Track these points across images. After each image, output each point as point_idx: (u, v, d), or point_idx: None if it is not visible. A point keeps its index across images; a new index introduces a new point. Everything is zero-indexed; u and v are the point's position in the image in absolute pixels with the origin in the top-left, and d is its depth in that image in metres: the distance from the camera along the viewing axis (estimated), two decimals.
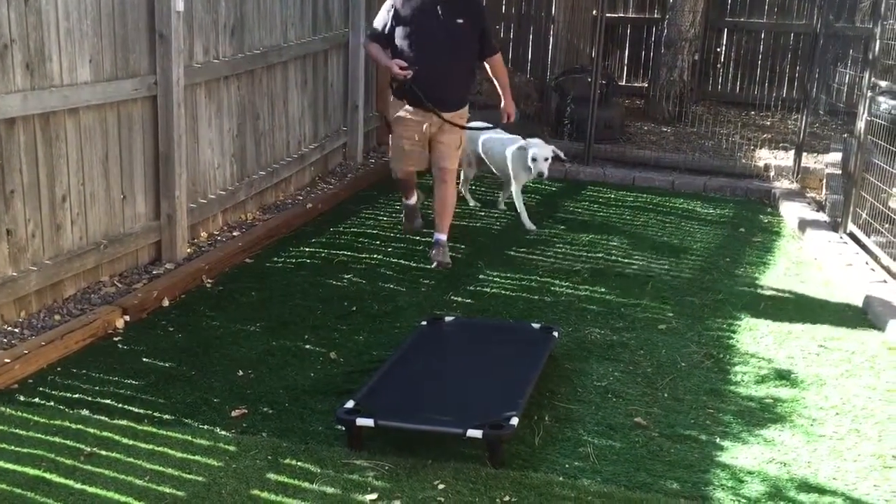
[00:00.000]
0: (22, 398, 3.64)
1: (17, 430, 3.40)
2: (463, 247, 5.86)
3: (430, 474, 3.19)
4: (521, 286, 5.18)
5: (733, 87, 11.44)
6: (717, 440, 3.53)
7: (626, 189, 7.66)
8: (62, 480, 3.09)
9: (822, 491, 3.20)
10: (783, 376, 4.13)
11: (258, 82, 6.20)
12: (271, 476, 3.16)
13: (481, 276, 5.34)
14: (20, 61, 4.04)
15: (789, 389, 4.00)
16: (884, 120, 5.77)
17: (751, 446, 3.49)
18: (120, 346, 4.20)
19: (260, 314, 4.63)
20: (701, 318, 4.80)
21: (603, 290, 5.19)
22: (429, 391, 3.63)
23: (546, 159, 6.13)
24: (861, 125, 6.08)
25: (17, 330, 4.13)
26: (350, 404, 3.40)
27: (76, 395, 3.69)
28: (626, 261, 5.75)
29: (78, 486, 3.06)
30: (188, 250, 5.34)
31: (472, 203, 6.83)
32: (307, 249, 5.70)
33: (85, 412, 3.55)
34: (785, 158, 8.34)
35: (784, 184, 7.81)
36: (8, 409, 3.54)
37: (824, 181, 7.44)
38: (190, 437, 3.40)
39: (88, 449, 3.29)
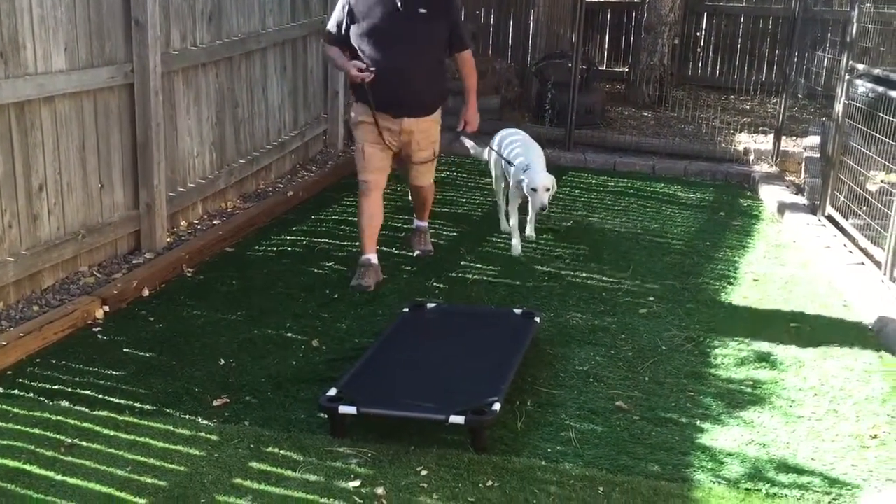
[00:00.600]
0: (1, 389, 3.61)
1: None
2: (445, 233, 5.85)
3: (412, 461, 3.20)
4: (502, 272, 5.19)
5: (713, 72, 11.49)
6: (698, 422, 3.56)
7: (607, 174, 7.68)
8: (42, 472, 3.07)
9: (800, 471, 3.24)
10: (762, 358, 4.16)
11: (237, 69, 6.15)
12: (254, 465, 3.16)
13: (463, 263, 5.34)
14: None
15: (768, 371, 4.03)
16: (861, 103, 5.80)
17: (730, 428, 3.52)
18: (100, 336, 4.17)
19: (241, 303, 4.61)
20: (681, 301, 4.83)
21: (584, 275, 5.21)
22: (411, 378, 3.63)
23: (547, 189, 5.33)
24: (839, 108, 6.12)
25: None
26: (332, 392, 3.39)
27: (56, 387, 3.66)
28: (607, 246, 5.77)
29: (59, 477, 3.05)
30: (168, 239, 5.31)
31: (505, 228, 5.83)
32: (288, 237, 5.68)
33: (65, 403, 3.52)
34: (764, 142, 8.38)
35: (763, 167, 7.86)
36: None
37: (803, 164, 7.50)
38: (171, 428, 3.38)
39: (69, 440, 3.27)
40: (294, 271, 5.08)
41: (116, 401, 3.57)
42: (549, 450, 3.31)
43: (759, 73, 11.18)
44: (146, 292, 4.66)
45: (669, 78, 10.29)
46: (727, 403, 3.72)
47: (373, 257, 4.94)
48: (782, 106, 8.01)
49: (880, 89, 5.49)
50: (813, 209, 6.41)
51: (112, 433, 3.33)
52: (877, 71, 5.71)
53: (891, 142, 5.19)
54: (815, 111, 9.61)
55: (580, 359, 4.09)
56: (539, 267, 5.30)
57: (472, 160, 6.79)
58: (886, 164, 5.28)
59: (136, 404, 3.55)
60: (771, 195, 6.93)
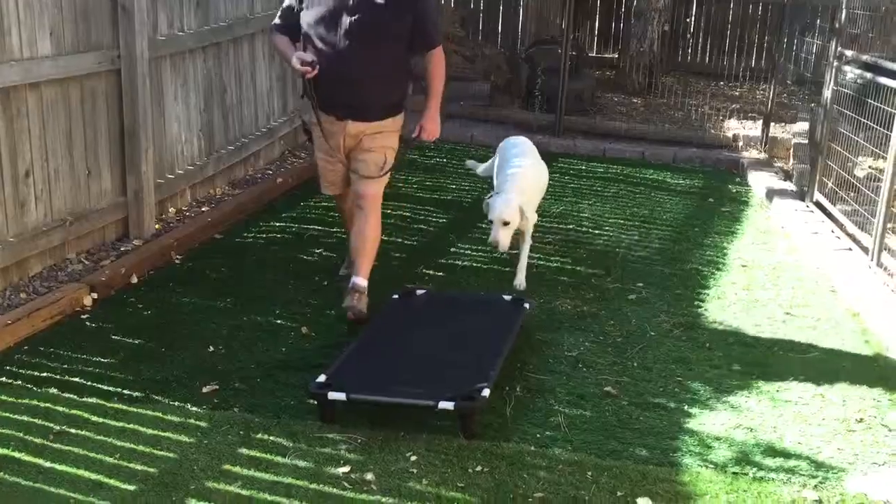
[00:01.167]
0: None
1: None
2: (434, 220, 5.85)
3: (402, 446, 3.21)
4: (492, 258, 5.19)
5: (703, 58, 11.49)
6: (686, 407, 3.58)
7: (597, 160, 7.69)
8: (31, 459, 3.06)
9: (787, 455, 3.26)
10: (750, 344, 4.19)
11: (224, 55, 6.11)
12: (243, 451, 3.16)
13: (453, 249, 5.34)
14: None
15: (756, 356, 4.06)
16: (850, 89, 5.82)
17: (718, 413, 3.55)
18: (88, 323, 4.16)
19: (230, 290, 4.60)
20: (670, 287, 4.85)
21: (573, 261, 5.22)
22: (401, 364, 3.64)
23: (505, 224, 4.56)
24: (827, 94, 6.14)
25: None
26: (322, 378, 3.40)
27: (44, 374, 3.65)
28: (596, 232, 5.78)
29: (48, 464, 3.04)
30: (156, 226, 5.28)
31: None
32: (277, 224, 5.67)
33: (54, 390, 3.51)
34: (753, 128, 8.40)
35: (752, 153, 7.88)
36: None
37: (791, 151, 7.52)
38: (160, 414, 3.38)
39: (58, 427, 3.26)
40: (283, 258, 5.07)
41: (105, 388, 3.56)
42: (538, 435, 3.32)
43: (748, 59, 11.19)
44: (135, 279, 4.65)
45: (659, 64, 10.28)
46: (715, 388, 3.75)
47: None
48: (771, 92, 8.03)
49: (869, 75, 5.51)
50: (801, 195, 6.44)
51: (101, 420, 3.32)
52: (865, 57, 5.72)
53: (879, 128, 5.21)
54: (804, 97, 9.63)
55: (569, 344, 4.10)
56: (529, 253, 5.29)
57: (462, 146, 6.78)
58: (874, 150, 5.30)
59: (124, 391, 3.54)
60: (760, 181, 6.96)
